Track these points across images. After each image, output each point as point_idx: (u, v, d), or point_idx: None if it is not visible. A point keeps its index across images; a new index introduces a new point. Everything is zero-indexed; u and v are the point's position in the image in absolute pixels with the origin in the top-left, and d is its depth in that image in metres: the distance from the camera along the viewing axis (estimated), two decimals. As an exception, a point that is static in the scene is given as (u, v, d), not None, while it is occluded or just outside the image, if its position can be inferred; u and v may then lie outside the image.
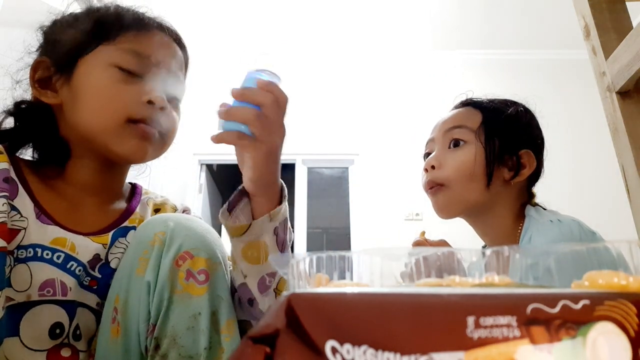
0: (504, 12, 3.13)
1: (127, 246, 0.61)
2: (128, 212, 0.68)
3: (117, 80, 0.59)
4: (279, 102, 0.51)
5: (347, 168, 3.60)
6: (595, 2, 0.80)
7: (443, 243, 0.83)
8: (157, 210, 0.72)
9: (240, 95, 0.50)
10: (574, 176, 3.08)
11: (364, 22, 3.27)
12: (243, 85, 0.52)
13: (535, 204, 0.80)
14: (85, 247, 0.59)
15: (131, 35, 0.62)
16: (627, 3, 0.79)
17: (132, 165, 0.71)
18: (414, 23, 3.29)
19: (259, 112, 0.49)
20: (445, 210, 0.78)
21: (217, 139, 0.51)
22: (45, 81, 0.62)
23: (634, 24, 0.75)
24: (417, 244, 0.82)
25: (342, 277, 0.30)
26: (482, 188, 0.75)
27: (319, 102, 3.53)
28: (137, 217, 0.68)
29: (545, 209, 0.79)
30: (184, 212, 0.74)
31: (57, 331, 0.54)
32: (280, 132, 0.52)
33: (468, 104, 0.83)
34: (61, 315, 0.55)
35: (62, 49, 0.61)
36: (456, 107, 0.85)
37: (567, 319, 0.22)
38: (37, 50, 0.65)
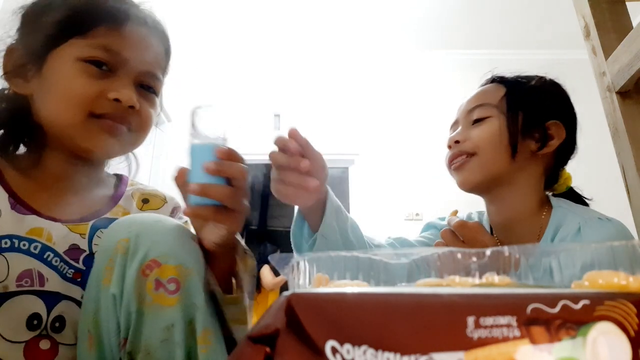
0: (504, 12, 3.13)
1: None
2: (111, 204, 0.67)
3: (83, 75, 0.58)
4: (244, 171, 0.51)
5: (347, 168, 3.59)
6: (595, 2, 0.80)
7: (477, 226, 0.74)
8: (144, 201, 0.71)
9: (215, 171, 0.49)
10: (576, 175, 3.07)
11: (363, 22, 3.27)
12: (198, 157, 0.50)
13: (570, 188, 0.78)
14: (63, 237, 0.58)
15: (103, 29, 0.60)
16: (627, 3, 0.80)
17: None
18: (414, 23, 3.29)
19: (233, 186, 0.50)
20: (470, 179, 0.76)
21: (193, 214, 0.51)
22: (18, 69, 0.61)
23: (634, 24, 0.75)
24: (457, 225, 0.73)
25: (342, 277, 0.30)
26: (508, 159, 0.73)
27: (319, 102, 3.53)
28: (121, 209, 0.67)
29: (584, 199, 0.77)
30: (174, 208, 0.73)
31: (35, 322, 0.54)
32: (246, 197, 0.53)
33: (493, 80, 0.82)
34: (39, 306, 0.54)
35: (36, 39, 0.61)
36: (482, 85, 0.83)
37: (567, 319, 0.22)
38: (16, 32, 0.63)
